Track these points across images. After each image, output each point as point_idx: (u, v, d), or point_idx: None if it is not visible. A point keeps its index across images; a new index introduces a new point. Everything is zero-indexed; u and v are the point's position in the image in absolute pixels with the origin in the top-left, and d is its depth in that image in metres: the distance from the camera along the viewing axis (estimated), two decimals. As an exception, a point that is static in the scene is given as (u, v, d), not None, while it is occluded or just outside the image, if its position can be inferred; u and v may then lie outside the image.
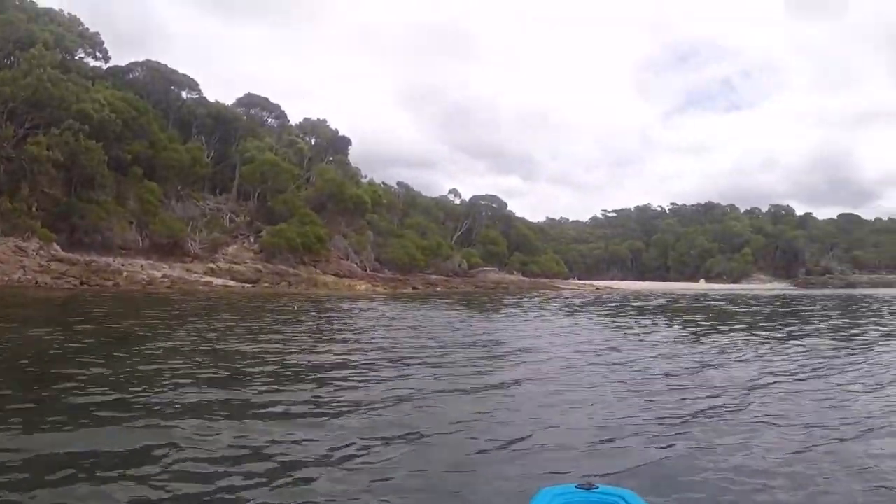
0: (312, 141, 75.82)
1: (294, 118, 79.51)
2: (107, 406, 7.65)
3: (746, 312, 32.75)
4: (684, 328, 22.23)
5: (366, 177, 79.63)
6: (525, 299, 44.62)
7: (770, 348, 15.98)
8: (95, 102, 46.93)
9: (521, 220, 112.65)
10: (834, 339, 18.39)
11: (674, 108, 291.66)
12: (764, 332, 20.61)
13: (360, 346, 14.57)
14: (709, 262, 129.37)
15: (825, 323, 25.21)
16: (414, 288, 56.47)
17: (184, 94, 65.91)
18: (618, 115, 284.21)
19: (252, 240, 57.38)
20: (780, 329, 22.41)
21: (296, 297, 35.05)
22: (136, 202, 49.44)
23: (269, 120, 76.05)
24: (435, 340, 15.90)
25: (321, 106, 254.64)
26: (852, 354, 14.79)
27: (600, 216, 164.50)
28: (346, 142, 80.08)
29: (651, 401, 9.03)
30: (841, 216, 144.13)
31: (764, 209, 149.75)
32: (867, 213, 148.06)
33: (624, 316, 28.42)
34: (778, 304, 43.13)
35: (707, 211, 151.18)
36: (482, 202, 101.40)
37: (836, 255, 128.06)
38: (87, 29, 58.20)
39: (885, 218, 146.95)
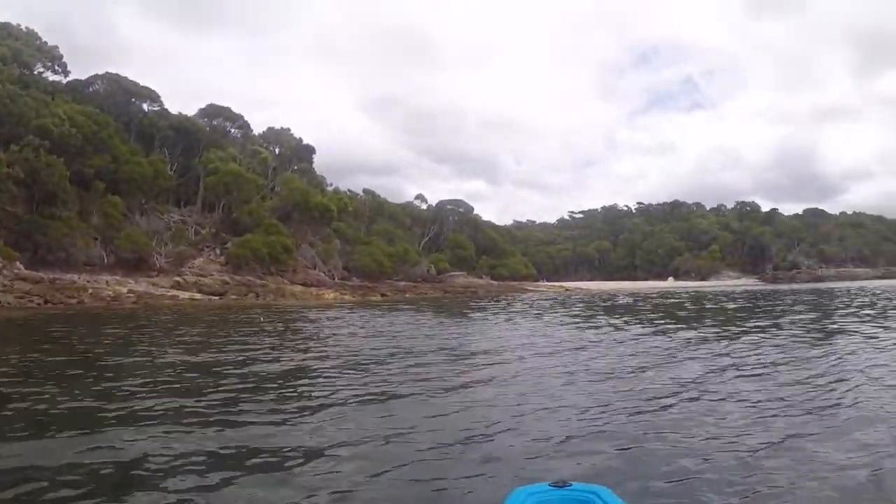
0: (276, 150, 75.50)
1: (257, 128, 79.20)
2: (58, 419, 7.80)
3: (711, 309, 33.33)
4: (649, 325, 22.70)
5: (331, 185, 79.51)
6: (493, 303, 44.95)
7: (735, 342, 16.54)
8: (55, 117, 46.51)
9: (488, 223, 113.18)
10: (800, 331, 18.95)
11: (637, 109, 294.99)
12: (732, 328, 21.20)
13: (323, 355, 14.72)
14: (676, 261, 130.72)
15: (792, 316, 25.88)
16: (382, 295, 56.46)
17: (145, 107, 65.26)
18: (582, 117, 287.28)
19: (218, 252, 57.01)
20: (745, 323, 22.98)
21: (262, 308, 34.98)
22: (99, 217, 48.93)
23: (233, 130, 75.53)
24: (400, 347, 15.97)
25: (284, 115, 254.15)
26: (817, 346, 15.26)
27: (567, 217, 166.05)
28: (310, 150, 79.95)
29: (618, 399, 9.22)
30: (806, 211, 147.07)
31: (730, 206, 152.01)
32: (832, 208, 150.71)
33: (591, 316, 28.87)
34: (743, 299, 43.86)
35: (673, 210, 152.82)
36: (449, 207, 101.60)
37: (803, 249, 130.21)
38: (46, 43, 57.85)
39: (849, 212, 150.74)
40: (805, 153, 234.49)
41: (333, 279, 62.12)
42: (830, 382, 10.17)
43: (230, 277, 50.66)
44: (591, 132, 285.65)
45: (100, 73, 64.12)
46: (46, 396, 9.16)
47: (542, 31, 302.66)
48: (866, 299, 38.27)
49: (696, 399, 9.11)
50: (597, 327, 22.29)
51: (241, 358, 13.81)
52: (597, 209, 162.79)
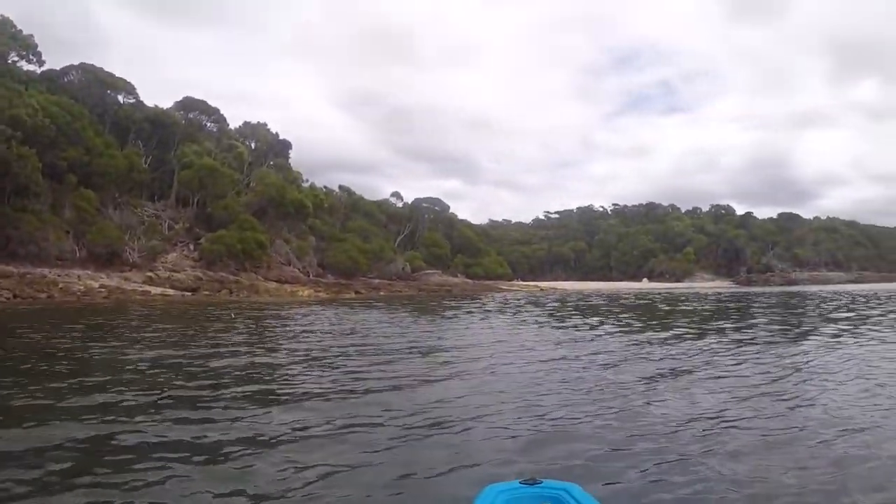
0: (252, 145, 75.04)
1: (233, 122, 78.19)
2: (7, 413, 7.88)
3: (682, 310, 33.66)
4: (619, 325, 23.08)
5: (307, 181, 79.07)
6: (467, 301, 45.09)
7: (705, 341, 16.91)
8: (29, 107, 45.94)
9: (464, 222, 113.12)
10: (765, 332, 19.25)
11: (615, 111, 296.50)
12: (703, 327, 21.51)
13: (291, 352, 14.76)
14: (651, 262, 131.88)
15: (762, 318, 26.28)
16: (357, 292, 56.51)
17: (120, 99, 64.46)
18: (559, 118, 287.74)
19: (192, 247, 56.78)
20: (714, 322, 23.34)
21: (235, 305, 34.86)
22: (71, 211, 48.53)
23: (208, 124, 74.65)
24: (371, 345, 16.10)
25: (261, 110, 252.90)
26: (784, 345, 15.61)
27: (543, 218, 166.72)
28: (286, 145, 79.52)
29: (587, 396, 9.42)
30: (781, 215, 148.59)
31: (705, 209, 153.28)
32: (806, 213, 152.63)
33: (563, 315, 29.18)
34: (713, 300, 44.30)
35: (649, 211, 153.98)
36: (425, 205, 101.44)
37: (777, 253, 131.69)
38: (21, 31, 56.86)
39: (823, 217, 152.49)
40: (780, 158, 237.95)
41: (308, 276, 61.96)
42: (796, 384, 10.55)
43: (203, 273, 50.51)
44: (569, 133, 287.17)
45: (75, 63, 63.46)
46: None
47: (522, 31, 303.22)
48: (840, 302, 38.81)
49: (665, 398, 9.35)
50: (568, 327, 22.67)
51: (206, 354, 13.91)
52: (572, 210, 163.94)
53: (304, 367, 12.20)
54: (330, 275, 66.12)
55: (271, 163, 73.86)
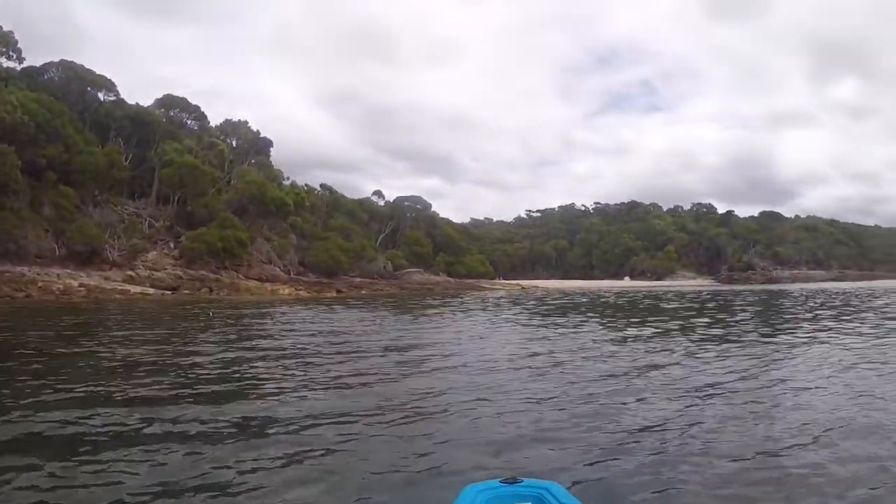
0: (233, 143, 74.71)
1: (214, 120, 77.76)
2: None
3: (664, 308, 33.98)
4: (599, 322, 23.56)
5: (288, 179, 78.86)
6: (449, 300, 45.25)
7: (683, 338, 17.23)
8: (8, 104, 45.63)
9: (446, 220, 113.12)
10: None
11: (595, 110, 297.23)
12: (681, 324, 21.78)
13: (267, 351, 14.72)
14: (633, 260, 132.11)
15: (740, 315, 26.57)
16: (338, 291, 56.48)
17: (101, 96, 63.89)
18: (539, 117, 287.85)
19: (172, 245, 56.56)
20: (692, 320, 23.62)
21: (214, 304, 34.83)
22: (51, 208, 48.26)
23: (189, 122, 74.09)
24: (350, 344, 16.20)
25: (242, 108, 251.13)
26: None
27: (524, 216, 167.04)
28: (267, 143, 79.34)
29: (566, 394, 9.55)
30: (762, 214, 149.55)
31: (686, 207, 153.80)
32: (786, 212, 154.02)
33: (544, 314, 29.46)
34: (692, 298, 44.63)
35: (630, 210, 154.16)
36: (406, 203, 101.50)
37: (758, 251, 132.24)
38: (0, 27, 56.56)
39: (803, 216, 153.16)
40: (760, 157, 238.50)
41: (289, 274, 61.91)
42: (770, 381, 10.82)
43: (183, 272, 50.40)
44: (549, 132, 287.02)
45: (55, 60, 62.95)
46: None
47: (501, 30, 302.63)
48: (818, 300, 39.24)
49: (644, 396, 9.47)
50: (548, 325, 22.96)
51: (180, 353, 14.01)
52: (554, 208, 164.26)
53: (276, 366, 12.34)
54: (311, 273, 66.03)
55: (252, 161, 73.53)
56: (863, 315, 26.96)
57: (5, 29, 56.80)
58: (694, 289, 78.16)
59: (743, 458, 6.28)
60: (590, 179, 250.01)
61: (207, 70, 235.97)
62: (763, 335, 19.02)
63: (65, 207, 48.82)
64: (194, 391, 9.61)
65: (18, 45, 57.76)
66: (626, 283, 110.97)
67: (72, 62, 62.83)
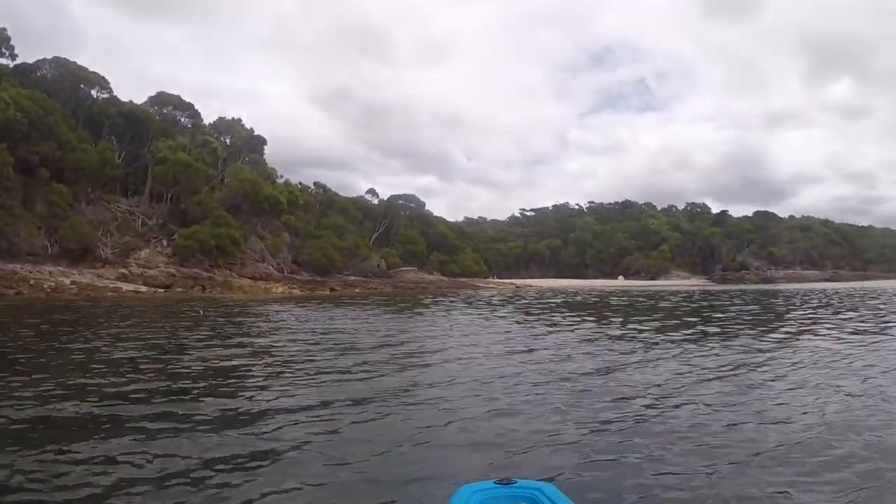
0: (227, 141, 74.61)
1: (208, 118, 77.83)
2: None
3: (654, 307, 34.06)
4: (592, 322, 23.51)
5: (282, 177, 78.79)
6: (442, 298, 45.28)
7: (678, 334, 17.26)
8: (0, 101, 45.59)
9: (440, 219, 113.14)
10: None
11: (589, 109, 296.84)
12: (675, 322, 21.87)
13: (257, 350, 14.65)
14: (627, 260, 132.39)
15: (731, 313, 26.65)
16: (332, 289, 56.53)
17: (94, 93, 63.93)
18: (534, 116, 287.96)
19: (165, 243, 56.47)
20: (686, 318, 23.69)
21: (207, 302, 34.82)
22: (44, 206, 48.16)
23: (183, 119, 74.17)
24: (343, 343, 16.06)
25: (236, 106, 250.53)
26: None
27: (518, 215, 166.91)
28: (261, 141, 79.22)
29: (560, 396, 9.48)
30: (756, 213, 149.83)
31: (680, 207, 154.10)
32: (780, 212, 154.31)
33: (538, 313, 29.45)
34: (685, 297, 44.76)
35: (624, 209, 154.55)
36: (400, 201, 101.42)
37: (752, 251, 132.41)
38: (-7, 24, 56.44)
39: (798, 215, 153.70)
40: (755, 157, 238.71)
41: (282, 273, 61.98)
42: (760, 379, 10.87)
43: (176, 270, 50.39)
44: (543, 131, 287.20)
45: (48, 57, 62.78)
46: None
47: (496, 28, 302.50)
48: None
49: (640, 397, 9.44)
50: (542, 324, 22.93)
51: (164, 349, 14.10)
52: (548, 207, 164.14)
53: (262, 363, 12.36)
54: (305, 272, 66.08)
55: (246, 159, 73.39)
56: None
57: (-1, 26, 56.79)
58: (688, 288, 78.23)
59: (738, 460, 6.32)
60: (584, 178, 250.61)
61: (201, 68, 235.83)
62: (755, 335, 19.07)
63: (57, 205, 48.70)
64: (172, 387, 9.64)
65: (11, 42, 57.90)
66: (620, 282, 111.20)
67: (65, 59, 62.82)
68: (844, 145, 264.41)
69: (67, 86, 60.62)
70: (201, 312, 26.60)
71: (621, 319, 25.31)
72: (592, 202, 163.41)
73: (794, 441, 6.94)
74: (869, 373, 11.42)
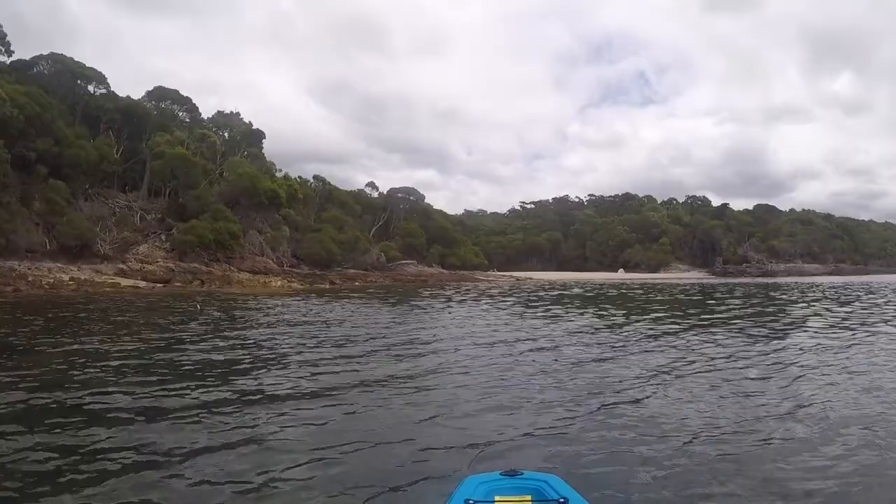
0: (225, 135, 74.67)
1: (206, 112, 77.99)
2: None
3: (654, 299, 34.03)
4: (594, 315, 23.54)
5: (280, 171, 78.69)
6: (441, 291, 45.26)
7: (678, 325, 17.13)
8: (-3, 98, 45.44)
9: (440, 212, 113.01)
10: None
11: (589, 102, 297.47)
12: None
13: (256, 344, 14.62)
14: (627, 252, 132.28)
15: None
16: (332, 283, 56.38)
17: (91, 89, 63.51)
18: (533, 109, 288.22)
19: (164, 238, 56.36)
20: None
21: (206, 296, 34.71)
22: (41, 202, 47.92)
23: (181, 114, 74.10)
24: (344, 336, 16.14)
25: (234, 100, 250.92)
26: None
27: (518, 208, 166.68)
28: (260, 135, 79.21)
29: (562, 388, 9.52)
30: (757, 207, 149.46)
31: (681, 200, 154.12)
32: (780, 206, 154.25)
33: (537, 305, 29.53)
34: (681, 289, 44.78)
35: (624, 202, 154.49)
36: (399, 195, 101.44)
37: (753, 244, 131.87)
38: (-11, 21, 56.26)
39: (798, 209, 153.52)
40: (755, 151, 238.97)
41: (282, 267, 61.82)
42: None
43: (175, 264, 50.26)
44: (543, 124, 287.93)
45: (45, 53, 62.59)
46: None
47: (496, 21, 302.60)
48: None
49: (642, 389, 9.50)
50: (542, 317, 23.04)
51: (159, 343, 14.05)
52: (548, 200, 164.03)
53: (259, 359, 12.32)
54: (304, 265, 65.99)
55: (245, 153, 73.46)
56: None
57: (-6, 22, 56.58)
58: (688, 281, 78.30)
59: (739, 452, 6.36)
60: (584, 172, 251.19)
61: (199, 62, 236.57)
62: (756, 327, 19.03)
63: (55, 201, 48.46)
64: (165, 379, 9.68)
65: (7, 39, 57.59)
66: (620, 275, 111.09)
67: (62, 55, 62.52)
68: (845, 140, 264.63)
69: (64, 81, 60.46)
70: (199, 307, 26.50)
71: (621, 312, 25.32)
72: (592, 195, 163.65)
73: (798, 435, 6.93)
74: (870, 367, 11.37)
